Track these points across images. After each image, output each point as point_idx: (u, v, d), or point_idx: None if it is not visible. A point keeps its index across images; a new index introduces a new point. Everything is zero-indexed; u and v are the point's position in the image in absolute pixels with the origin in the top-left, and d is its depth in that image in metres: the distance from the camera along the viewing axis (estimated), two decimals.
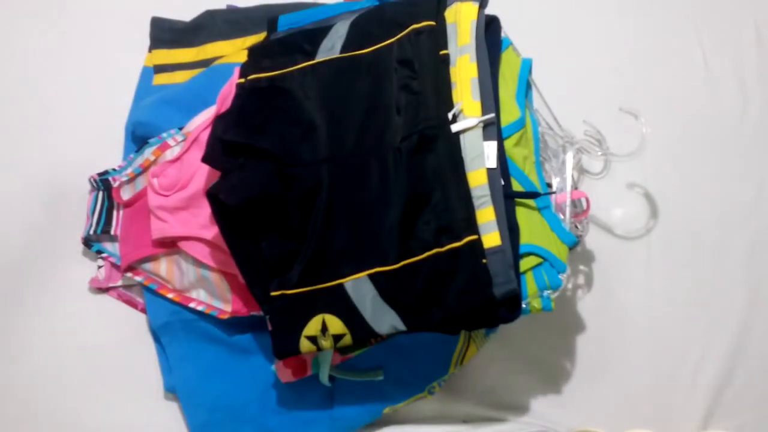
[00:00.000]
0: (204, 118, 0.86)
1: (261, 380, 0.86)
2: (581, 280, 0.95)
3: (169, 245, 0.85)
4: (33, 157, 0.95)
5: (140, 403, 0.89)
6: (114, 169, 0.92)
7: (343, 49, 0.79)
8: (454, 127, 0.71)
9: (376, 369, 0.84)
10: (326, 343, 0.71)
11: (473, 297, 0.68)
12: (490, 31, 0.78)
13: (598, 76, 1.02)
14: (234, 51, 0.96)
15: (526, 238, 0.73)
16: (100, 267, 0.92)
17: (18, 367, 0.89)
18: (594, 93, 1.00)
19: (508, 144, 0.75)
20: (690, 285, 0.96)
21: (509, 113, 0.77)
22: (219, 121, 0.77)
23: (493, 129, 0.72)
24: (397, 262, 0.70)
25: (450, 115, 0.72)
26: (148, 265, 0.88)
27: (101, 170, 0.92)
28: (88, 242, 0.91)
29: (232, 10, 1.02)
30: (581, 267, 0.95)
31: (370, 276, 0.71)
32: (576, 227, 0.81)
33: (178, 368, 0.87)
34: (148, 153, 0.89)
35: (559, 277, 0.74)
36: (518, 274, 0.72)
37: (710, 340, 0.95)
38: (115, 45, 1.01)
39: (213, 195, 0.71)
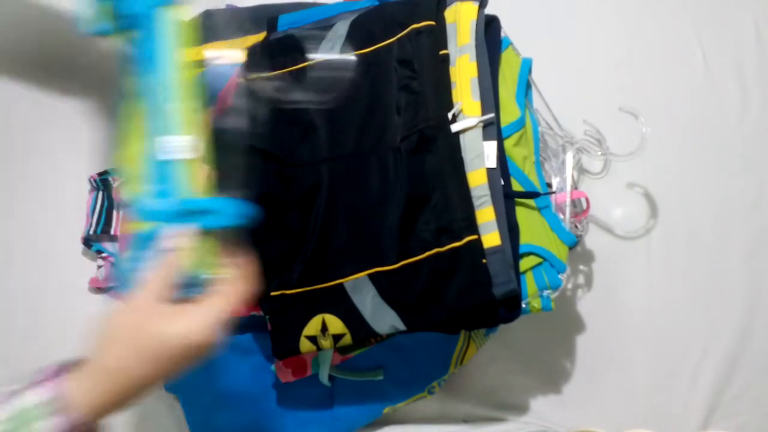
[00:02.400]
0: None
1: (261, 380, 0.86)
2: (581, 279, 0.95)
3: None
4: (33, 157, 0.95)
5: (140, 403, 0.89)
6: (114, 169, 0.92)
7: (343, 49, 0.79)
8: (454, 127, 0.71)
9: (376, 369, 0.84)
10: (326, 342, 0.71)
11: (473, 297, 0.68)
12: (489, 31, 0.78)
13: (598, 76, 1.02)
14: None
15: (526, 238, 0.73)
16: (99, 267, 0.92)
17: (18, 368, 0.88)
18: (594, 93, 1.00)
19: (508, 144, 0.75)
20: (690, 285, 0.96)
21: (509, 113, 0.77)
22: (219, 119, 0.76)
23: (492, 129, 0.72)
24: (397, 262, 0.70)
25: (450, 115, 0.72)
26: None
27: (101, 170, 0.92)
28: (87, 242, 0.92)
29: (231, 10, 1.01)
30: (581, 267, 0.95)
31: (370, 276, 0.71)
32: (576, 227, 0.81)
33: None
34: None
35: (559, 276, 0.74)
36: (518, 274, 0.72)
37: (710, 340, 0.95)
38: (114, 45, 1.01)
39: None
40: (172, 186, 0.61)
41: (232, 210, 0.60)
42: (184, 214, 0.60)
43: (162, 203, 0.61)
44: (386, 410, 0.86)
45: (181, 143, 0.62)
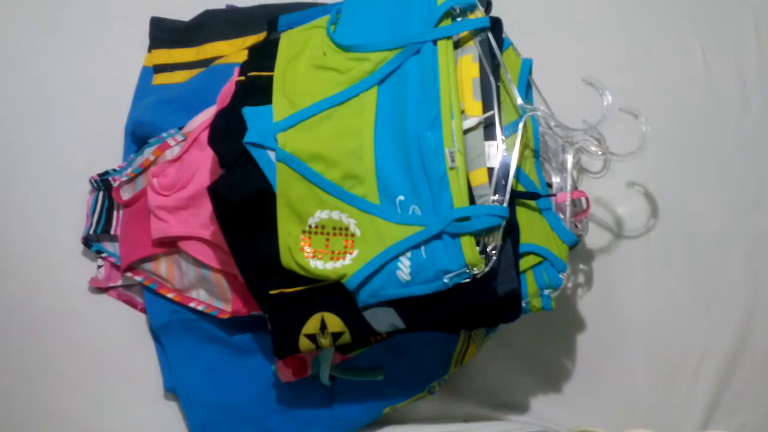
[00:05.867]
0: (204, 118, 0.86)
1: (261, 380, 0.86)
2: (581, 279, 0.95)
3: (169, 245, 0.85)
4: (33, 157, 0.95)
5: (140, 403, 0.89)
6: (114, 170, 0.92)
7: None
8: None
9: (376, 369, 0.84)
10: (325, 341, 0.71)
11: (474, 296, 0.68)
12: (493, 32, 0.78)
13: (598, 76, 1.02)
14: (234, 51, 0.96)
15: (526, 238, 0.73)
16: (99, 267, 0.92)
17: (18, 367, 0.89)
18: (594, 93, 1.00)
19: (508, 144, 0.75)
20: (690, 285, 0.96)
21: (509, 113, 0.77)
22: (221, 115, 0.77)
23: (494, 129, 0.72)
24: None
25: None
26: (148, 265, 0.88)
27: (101, 171, 0.92)
28: (87, 242, 0.91)
29: (231, 10, 1.02)
30: (581, 266, 0.95)
31: None
32: (576, 226, 0.81)
33: (178, 368, 0.87)
34: (148, 153, 0.89)
35: (560, 276, 0.75)
36: (518, 274, 0.72)
37: (710, 340, 0.95)
38: (115, 45, 1.01)
39: (214, 190, 0.71)
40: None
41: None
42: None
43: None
44: (386, 410, 0.86)
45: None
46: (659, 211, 0.98)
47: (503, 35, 0.78)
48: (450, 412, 0.91)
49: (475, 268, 0.67)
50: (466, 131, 0.72)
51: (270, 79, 0.76)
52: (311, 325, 0.71)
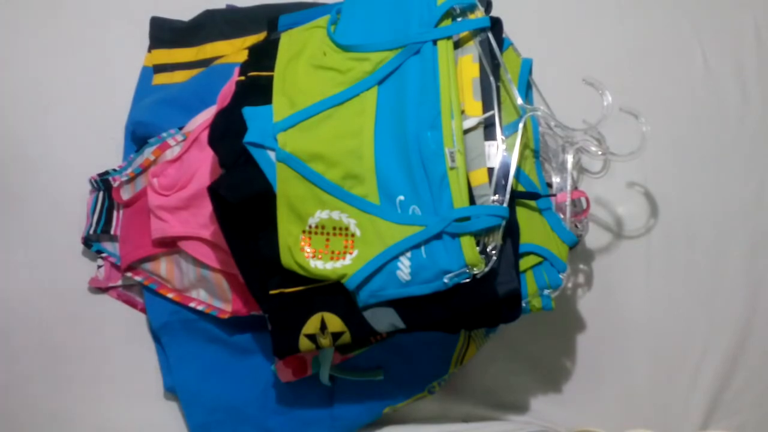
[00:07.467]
0: (204, 118, 0.86)
1: (261, 380, 0.86)
2: (581, 279, 0.95)
3: (169, 245, 0.85)
4: (33, 157, 0.95)
5: (140, 403, 0.89)
6: (114, 170, 0.92)
7: None
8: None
9: (376, 369, 0.84)
10: (325, 341, 0.71)
11: (475, 296, 0.68)
12: (493, 32, 0.78)
13: (598, 76, 1.02)
14: (234, 51, 0.96)
15: (526, 238, 0.73)
16: (99, 267, 0.92)
17: (18, 367, 0.89)
18: (594, 93, 1.00)
19: (508, 144, 0.75)
20: (690, 285, 0.96)
21: (509, 113, 0.77)
22: (221, 115, 0.77)
23: (494, 129, 0.72)
24: None
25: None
26: (148, 265, 0.88)
27: (101, 170, 0.92)
28: (87, 242, 0.91)
29: (231, 10, 1.02)
30: (581, 266, 0.95)
31: None
32: (576, 226, 0.81)
33: (178, 368, 0.87)
34: (148, 153, 0.89)
35: (560, 276, 0.75)
36: (518, 274, 0.72)
37: (710, 340, 0.95)
38: (115, 45, 1.01)
39: (214, 190, 0.71)
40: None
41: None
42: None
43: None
44: (386, 410, 0.86)
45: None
46: (659, 211, 0.98)
47: (503, 35, 0.78)
48: (450, 412, 0.91)
49: (475, 268, 0.67)
50: (466, 131, 0.72)
51: (270, 79, 0.76)
52: (311, 325, 0.71)
